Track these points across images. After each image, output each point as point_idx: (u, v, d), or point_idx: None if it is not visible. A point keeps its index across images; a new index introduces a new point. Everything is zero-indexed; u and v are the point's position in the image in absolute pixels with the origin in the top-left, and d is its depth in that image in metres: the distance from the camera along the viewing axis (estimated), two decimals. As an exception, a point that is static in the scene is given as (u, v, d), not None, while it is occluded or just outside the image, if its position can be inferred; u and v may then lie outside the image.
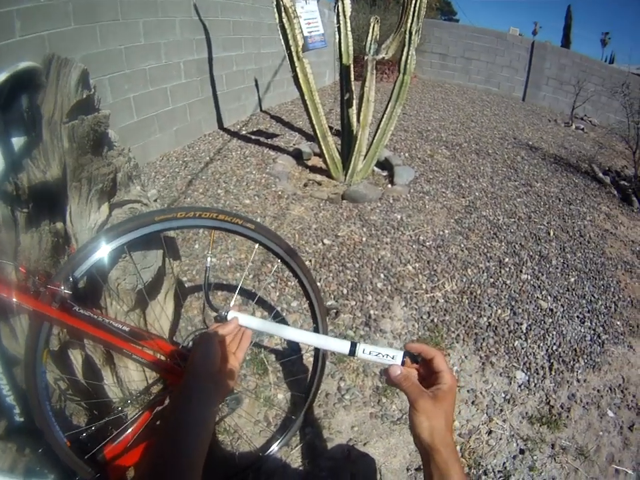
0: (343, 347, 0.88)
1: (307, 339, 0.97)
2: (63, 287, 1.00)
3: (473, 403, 1.86)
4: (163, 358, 1.16)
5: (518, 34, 10.68)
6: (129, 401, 1.38)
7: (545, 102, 9.31)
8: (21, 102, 0.91)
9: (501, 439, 1.74)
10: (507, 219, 3.39)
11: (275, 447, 1.59)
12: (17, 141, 0.91)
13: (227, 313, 0.98)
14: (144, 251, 1.33)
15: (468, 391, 1.90)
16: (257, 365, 1.96)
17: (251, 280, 2.50)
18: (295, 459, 1.63)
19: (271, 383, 1.90)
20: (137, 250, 1.30)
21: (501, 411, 1.84)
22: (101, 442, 1.21)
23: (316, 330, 1.47)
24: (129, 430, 1.22)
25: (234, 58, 5.51)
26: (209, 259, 1.16)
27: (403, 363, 0.81)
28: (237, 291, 1.54)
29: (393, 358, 0.82)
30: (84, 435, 1.23)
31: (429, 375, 0.80)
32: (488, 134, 5.72)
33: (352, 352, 0.87)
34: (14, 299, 0.98)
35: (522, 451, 1.70)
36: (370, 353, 0.85)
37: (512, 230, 3.23)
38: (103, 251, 1.05)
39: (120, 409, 1.41)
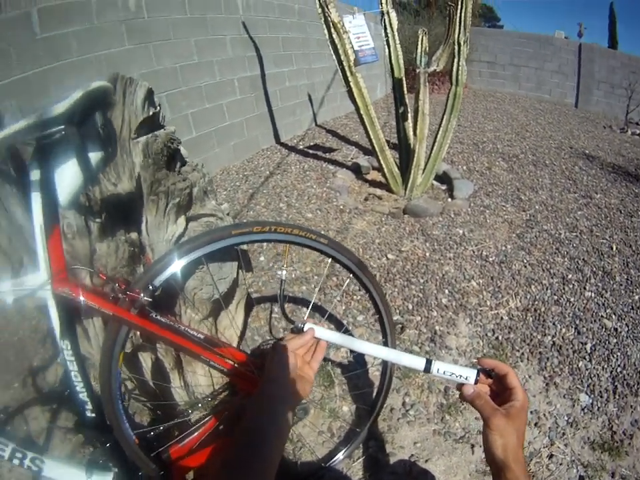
0: (418, 363, 0.89)
1: (382, 353, 0.97)
2: (142, 294, 1.03)
3: (535, 424, 1.78)
4: (236, 365, 1.18)
5: (564, 37, 10.34)
6: (197, 405, 1.41)
7: (598, 107, 8.90)
8: (95, 119, 0.94)
9: (561, 463, 1.65)
10: (569, 232, 3.26)
11: (337, 459, 1.59)
12: (93, 156, 0.93)
13: (304, 324, 0.99)
14: (220, 263, 1.38)
15: (531, 412, 1.82)
16: (323, 376, 1.95)
17: (317, 293, 2.50)
18: (356, 471, 1.61)
19: (337, 395, 1.89)
20: (214, 261, 1.34)
21: (563, 434, 1.75)
22: (165, 442, 1.25)
23: (385, 344, 1.46)
24: (196, 433, 1.26)
25: (286, 74, 5.57)
26: (283, 272, 1.17)
27: (477, 381, 0.81)
28: (311, 305, 1.55)
29: (466, 378, 0.82)
30: (151, 434, 1.27)
31: (501, 391, 0.81)
32: (544, 144, 5.55)
33: (427, 369, 0.86)
34: (93, 303, 1.02)
35: (582, 478, 1.61)
36: (444, 373, 0.84)
37: (574, 244, 3.10)
38: (182, 262, 1.07)
39: (187, 411, 1.44)
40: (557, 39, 9.52)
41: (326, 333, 0.98)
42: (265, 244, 2.91)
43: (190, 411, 1.45)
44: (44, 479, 1.16)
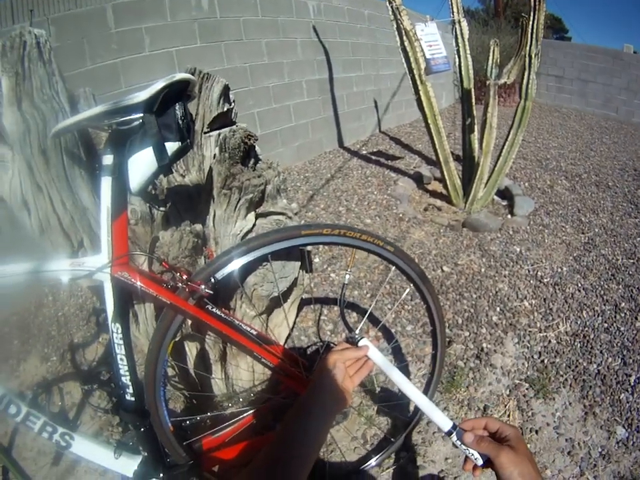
0: (444, 423, 0.89)
1: (418, 399, 0.96)
2: (203, 286, 1.05)
3: (568, 453, 1.72)
4: (286, 363, 1.19)
5: (632, 51, 9.88)
6: (237, 398, 1.45)
7: (667, 128, 8.47)
8: (175, 110, 0.94)
9: None
10: (626, 259, 3.11)
11: (367, 465, 1.59)
12: (170, 146, 0.95)
13: (360, 338, 0.99)
14: (284, 262, 1.39)
15: (566, 440, 1.76)
16: (365, 382, 1.94)
17: (369, 299, 2.50)
18: (384, 480, 1.60)
19: (375, 403, 1.88)
20: (278, 260, 1.36)
21: (595, 466, 1.68)
22: (199, 433, 1.28)
23: (434, 357, 1.47)
24: (231, 427, 1.29)
25: (353, 79, 5.60)
26: (347, 276, 1.18)
27: (485, 464, 0.81)
28: (367, 315, 1.54)
29: (476, 459, 0.82)
30: (187, 423, 1.30)
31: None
32: (607, 164, 5.33)
33: (449, 432, 0.87)
34: (151, 290, 1.04)
35: None
36: (460, 445, 0.85)
37: (630, 272, 2.95)
38: (248, 258, 1.09)
39: (225, 404, 1.48)
40: (626, 54, 9.07)
41: (377, 356, 0.99)
42: (320, 246, 2.93)
43: (227, 404, 1.47)
44: (71, 454, 1.19)
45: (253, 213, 1.39)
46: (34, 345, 2.32)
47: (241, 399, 1.44)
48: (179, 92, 0.95)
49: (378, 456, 1.60)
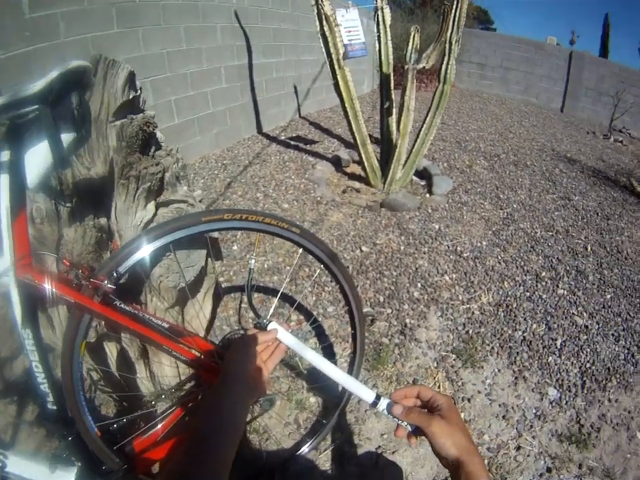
0: (367, 395, 0.90)
1: (336, 376, 0.97)
2: (106, 282, 1.02)
3: (503, 417, 1.82)
4: (200, 355, 1.17)
5: (555, 43, 10.44)
6: (162, 396, 1.39)
7: (584, 113, 9.05)
8: (71, 99, 0.92)
9: (529, 455, 1.69)
10: (545, 232, 3.32)
11: (303, 450, 1.59)
12: (66, 138, 0.92)
13: (268, 322, 0.99)
14: (188, 250, 1.35)
15: (499, 405, 1.86)
16: (290, 367, 1.96)
17: (288, 283, 2.51)
18: (323, 462, 1.62)
19: (304, 386, 1.90)
20: (181, 249, 1.31)
21: (531, 427, 1.79)
22: (129, 434, 1.24)
23: (354, 336, 1.47)
24: (160, 425, 1.23)
25: (274, 65, 5.58)
26: (252, 261, 1.17)
27: (418, 432, 0.81)
28: (278, 296, 1.54)
29: (407, 426, 0.82)
30: (114, 426, 1.24)
31: (424, 407, 0.83)
32: (526, 145, 5.62)
33: (374, 404, 0.88)
34: (55, 290, 1.00)
35: (549, 469, 1.65)
36: (388, 415, 0.85)
37: (549, 244, 3.15)
38: (148, 249, 1.06)
39: (152, 403, 1.43)
40: (549, 45, 9.61)
41: (288, 338, 0.99)
42: (238, 232, 2.91)
43: (155, 403, 1.42)
44: (8, 474, 1.14)
45: (152, 202, 1.35)
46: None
47: (168, 395, 1.39)
48: (75, 80, 0.92)
49: (313, 439, 1.60)
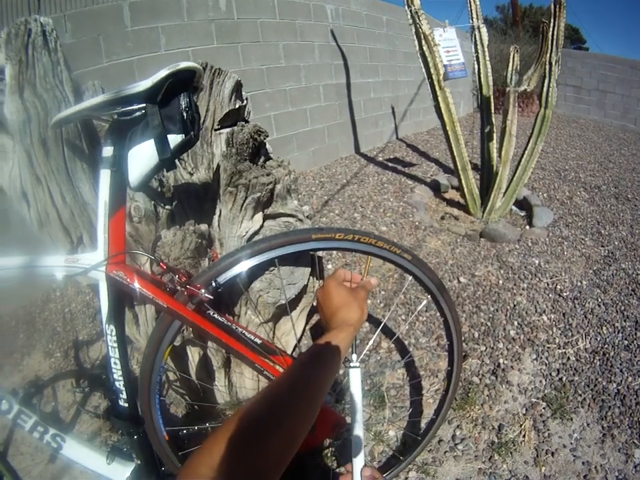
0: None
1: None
2: (203, 291, 1.00)
3: (584, 477, 1.64)
4: None
5: None
6: (237, 407, 1.38)
7: (687, 142, 8.31)
8: (179, 100, 0.88)
9: None
10: (647, 273, 3.04)
11: None
12: (173, 139, 0.88)
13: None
14: (292, 267, 1.33)
15: (583, 463, 1.68)
16: (375, 397, 1.89)
17: (382, 309, 2.45)
18: (393, 500, 1.54)
19: (385, 418, 1.82)
20: (286, 265, 1.29)
21: None
22: (197, 443, 1.21)
23: (449, 374, 1.41)
24: None
25: (371, 85, 5.57)
26: None
27: None
28: (380, 328, 1.48)
29: None
30: (184, 432, 1.27)
31: None
32: (627, 176, 5.26)
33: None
34: (147, 292, 0.99)
35: None
36: None
37: (651, 287, 2.90)
38: (252, 262, 1.04)
39: (225, 412, 1.43)
40: None
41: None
42: (334, 251, 2.88)
43: (227, 413, 1.43)
44: (62, 456, 1.15)
45: (260, 213, 1.32)
46: (39, 339, 2.31)
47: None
48: (184, 82, 0.89)
49: (386, 474, 1.52)
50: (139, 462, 1.13)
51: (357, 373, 0.95)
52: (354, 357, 0.96)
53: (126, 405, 1.07)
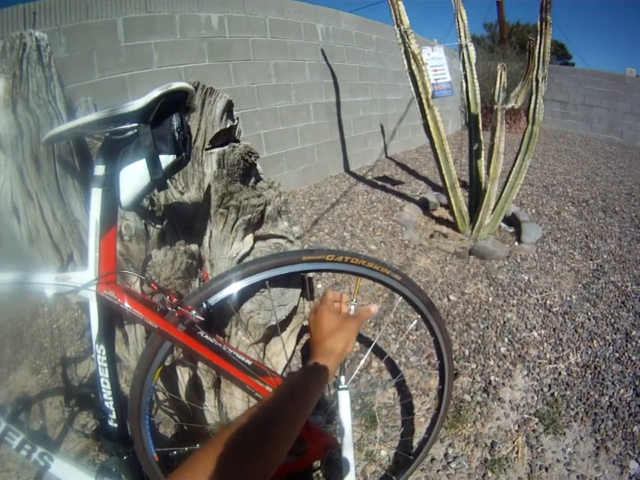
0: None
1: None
2: (194, 312, 0.99)
3: None
4: None
5: (635, 75, 9.81)
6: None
7: (673, 153, 8.39)
8: (171, 121, 0.89)
9: None
10: (636, 286, 3.05)
11: None
12: (164, 159, 0.89)
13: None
14: (282, 288, 1.32)
15: (577, 477, 1.68)
16: (366, 417, 1.87)
17: (372, 328, 2.45)
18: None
19: (377, 438, 1.80)
20: (276, 286, 1.28)
21: None
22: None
23: (441, 392, 1.41)
24: None
25: (360, 103, 5.63)
26: (352, 307, 1.09)
27: None
28: (371, 348, 1.47)
29: None
30: (174, 453, 1.25)
31: None
32: (614, 189, 5.34)
33: None
34: (138, 313, 0.98)
35: None
36: None
37: (640, 299, 2.93)
38: (243, 283, 1.03)
39: (215, 433, 1.38)
40: (630, 77, 8.97)
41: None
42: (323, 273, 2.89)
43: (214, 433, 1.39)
44: (49, 475, 1.14)
45: (251, 234, 1.32)
46: (26, 355, 2.28)
47: None
48: (176, 102, 0.89)
49: None
50: (128, 483, 1.12)
51: (345, 395, 0.96)
52: (342, 379, 0.98)
53: (115, 425, 1.06)
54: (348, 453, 0.93)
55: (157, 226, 1.25)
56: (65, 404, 1.82)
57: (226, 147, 1.22)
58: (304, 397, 0.75)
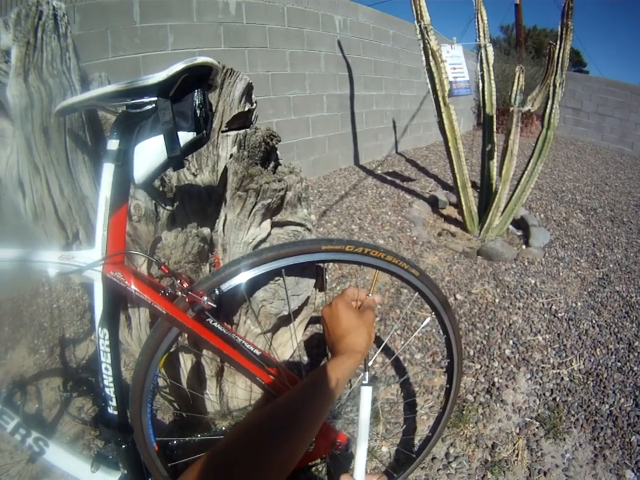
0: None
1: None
2: (206, 298, 0.95)
3: None
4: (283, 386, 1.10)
5: None
6: (232, 418, 1.36)
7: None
8: (193, 97, 0.85)
9: None
10: (640, 297, 3.06)
11: None
12: (183, 137, 0.85)
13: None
14: (297, 278, 1.28)
15: None
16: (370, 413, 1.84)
17: (378, 323, 2.43)
18: (382, 519, 1.50)
19: (379, 434, 1.79)
20: (291, 275, 1.25)
21: None
22: (187, 454, 1.20)
23: (448, 392, 1.39)
24: None
25: (374, 97, 5.59)
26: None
27: None
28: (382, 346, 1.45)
29: None
30: (174, 442, 1.21)
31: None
32: (622, 199, 5.31)
33: None
34: (146, 296, 0.94)
35: None
36: None
37: (645, 310, 2.91)
38: (259, 270, 0.99)
39: (216, 423, 1.40)
40: None
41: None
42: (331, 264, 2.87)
43: (219, 423, 1.39)
44: (44, 461, 1.11)
45: (268, 220, 1.27)
46: (24, 334, 2.26)
47: (234, 418, 1.34)
48: (199, 78, 0.85)
49: None
50: (125, 471, 1.09)
51: (368, 391, 0.94)
52: (367, 375, 0.96)
53: (115, 412, 1.03)
54: (362, 448, 0.91)
55: (168, 207, 1.21)
56: (63, 388, 1.80)
57: (248, 129, 1.20)
58: (327, 397, 0.73)
